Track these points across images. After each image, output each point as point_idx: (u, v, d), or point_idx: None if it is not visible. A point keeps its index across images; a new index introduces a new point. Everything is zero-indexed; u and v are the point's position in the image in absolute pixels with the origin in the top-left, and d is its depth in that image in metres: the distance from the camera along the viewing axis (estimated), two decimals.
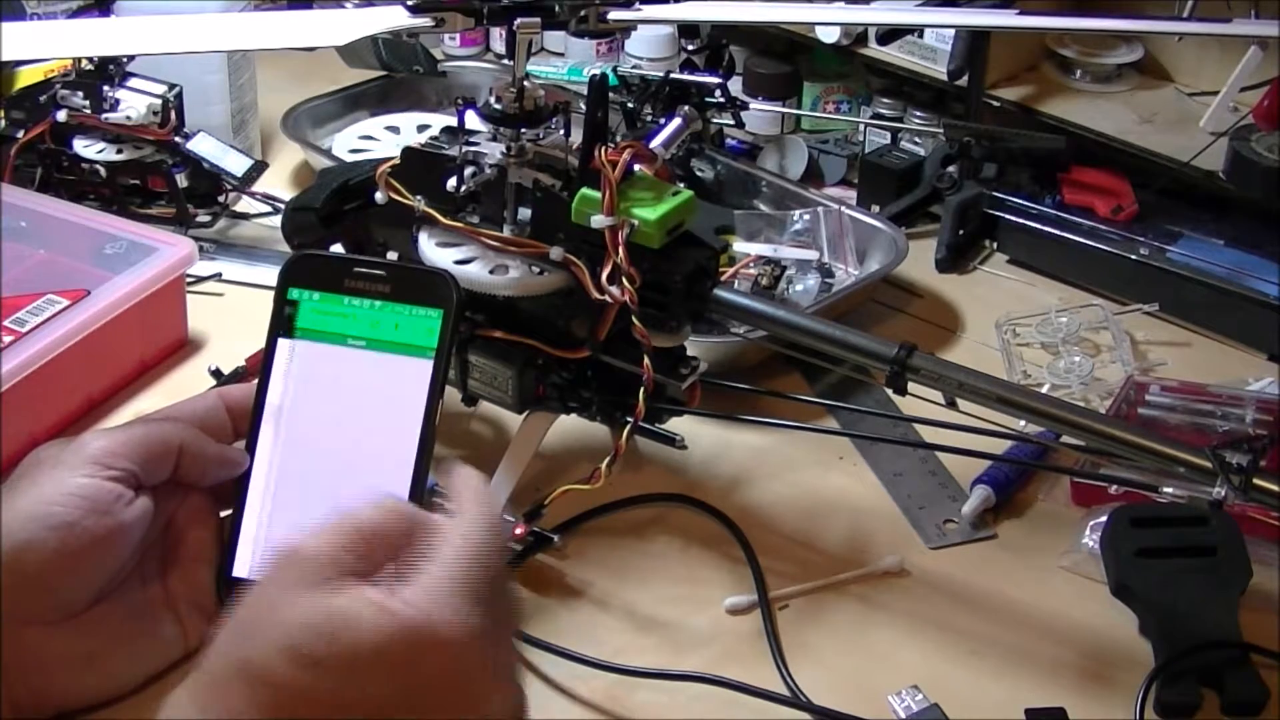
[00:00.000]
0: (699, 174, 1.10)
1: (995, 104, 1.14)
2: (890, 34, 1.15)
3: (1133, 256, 1.03)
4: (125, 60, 1.06)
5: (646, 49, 1.28)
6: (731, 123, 1.10)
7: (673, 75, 1.07)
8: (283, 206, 0.92)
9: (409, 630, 0.50)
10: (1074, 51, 1.17)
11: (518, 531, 0.75)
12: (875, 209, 1.11)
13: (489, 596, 0.53)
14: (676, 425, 0.83)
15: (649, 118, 1.05)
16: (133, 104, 1.04)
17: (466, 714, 0.52)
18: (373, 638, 0.50)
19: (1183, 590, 0.73)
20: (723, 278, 0.89)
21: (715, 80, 1.07)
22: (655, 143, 0.75)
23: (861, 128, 1.22)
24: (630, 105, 1.05)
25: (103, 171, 1.05)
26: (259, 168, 1.09)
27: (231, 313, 0.99)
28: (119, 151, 1.05)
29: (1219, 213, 1.06)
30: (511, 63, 0.75)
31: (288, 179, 1.17)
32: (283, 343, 0.68)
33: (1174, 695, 0.68)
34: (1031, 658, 0.72)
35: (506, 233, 0.75)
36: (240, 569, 0.67)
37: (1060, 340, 0.98)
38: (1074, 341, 0.98)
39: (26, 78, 1.05)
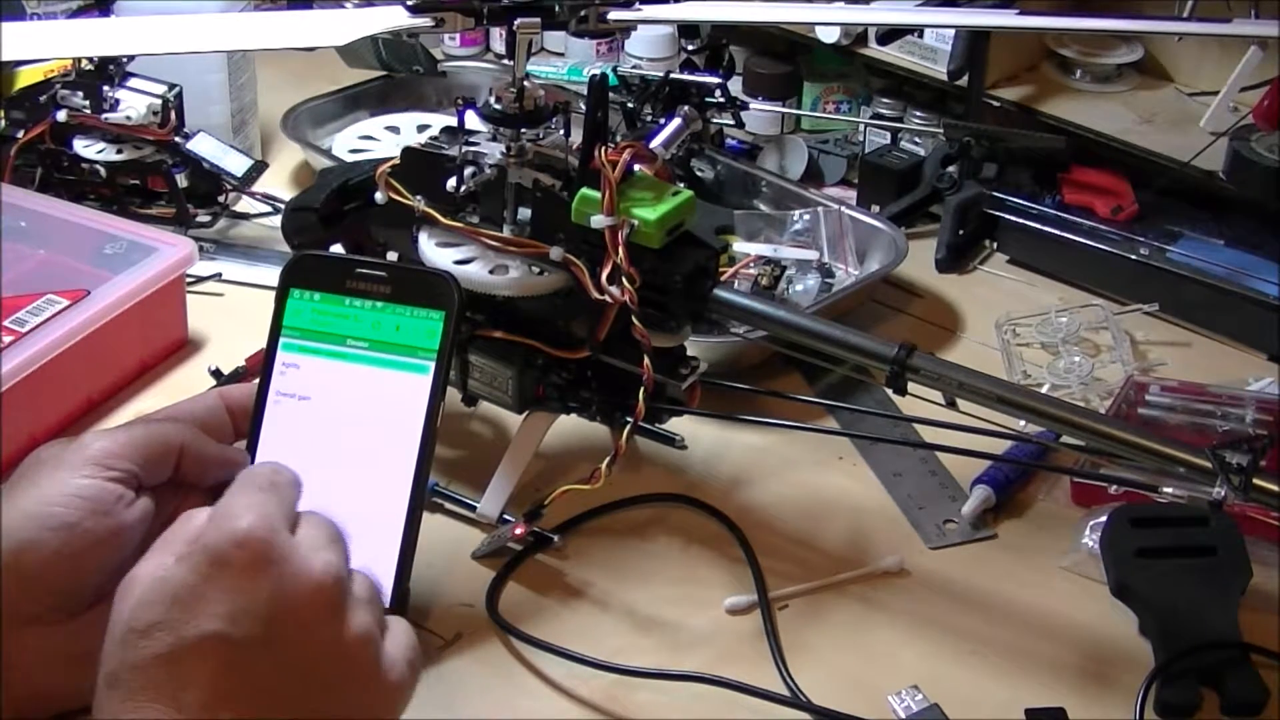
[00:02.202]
0: (699, 174, 1.10)
1: (995, 104, 1.14)
2: (890, 34, 1.15)
3: (1133, 256, 1.03)
4: (125, 60, 1.06)
5: (646, 49, 1.28)
6: (731, 123, 1.09)
7: (673, 75, 1.07)
8: (283, 206, 0.92)
9: (206, 547, 0.54)
10: (1074, 51, 1.17)
11: (518, 531, 0.75)
12: (875, 209, 1.11)
13: (281, 509, 0.57)
14: (676, 425, 0.83)
15: (649, 118, 1.05)
16: (133, 104, 1.04)
17: (308, 593, 0.55)
18: (180, 574, 0.54)
19: (1183, 590, 0.73)
20: (723, 278, 0.89)
21: (715, 80, 1.07)
22: (655, 143, 0.75)
23: (861, 128, 1.22)
24: (630, 105, 1.05)
25: (103, 171, 1.05)
26: (259, 168, 1.09)
27: (231, 313, 0.99)
28: (119, 151, 1.05)
29: (1219, 213, 1.06)
30: (511, 63, 0.75)
31: (288, 179, 1.17)
32: (283, 343, 0.68)
33: (1174, 695, 0.68)
34: (1031, 658, 0.72)
35: (506, 233, 0.75)
36: None
37: (1060, 340, 0.98)
38: (1074, 341, 0.98)
39: (26, 78, 1.05)
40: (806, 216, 1.04)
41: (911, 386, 0.70)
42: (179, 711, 0.52)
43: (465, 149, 0.75)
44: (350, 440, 0.66)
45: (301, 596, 0.55)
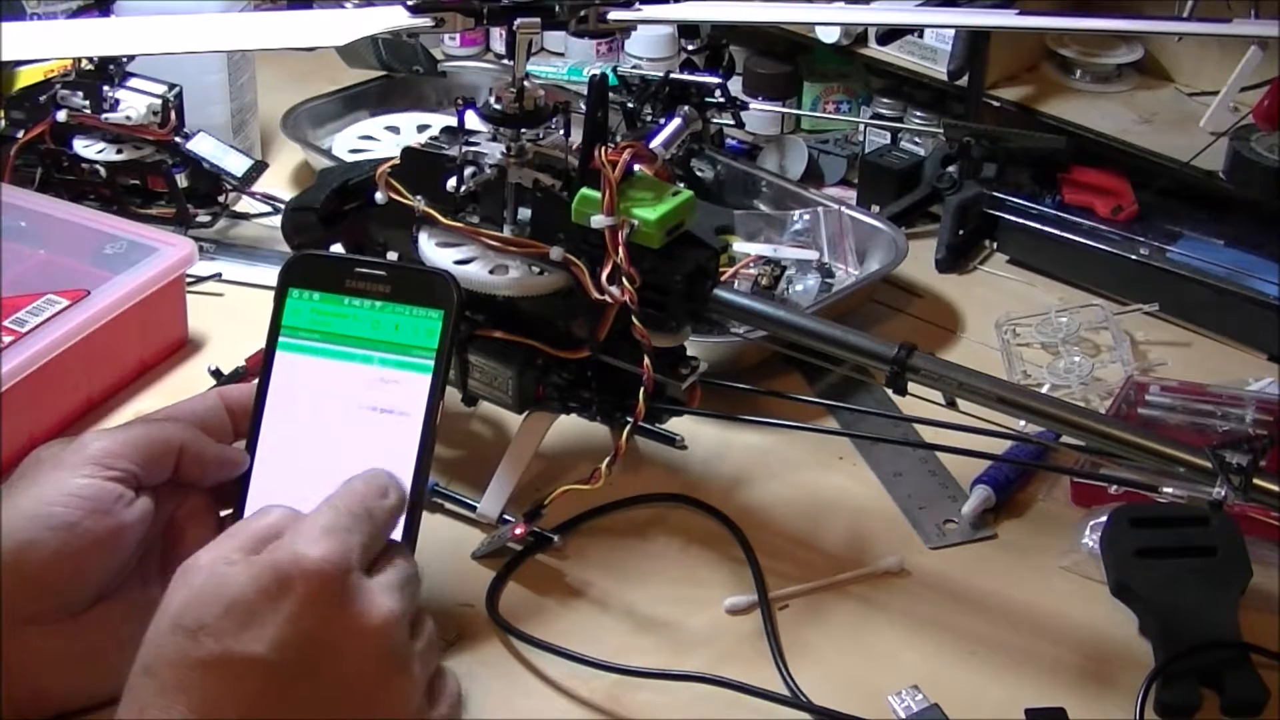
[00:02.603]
0: (699, 174, 1.10)
1: (995, 104, 1.14)
2: (890, 34, 1.15)
3: (1133, 256, 1.03)
4: (125, 60, 1.06)
5: (646, 49, 1.28)
6: (731, 123, 1.10)
7: (673, 75, 1.07)
8: (283, 206, 0.92)
9: (275, 565, 0.54)
10: (1074, 51, 1.17)
11: (518, 531, 0.75)
12: (875, 209, 1.11)
13: (363, 541, 0.57)
14: (676, 425, 0.83)
15: (649, 118, 1.05)
16: (133, 104, 1.04)
17: (361, 638, 0.55)
18: (241, 581, 0.54)
19: (1183, 590, 0.73)
20: (723, 278, 0.89)
21: (715, 80, 1.07)
22: (655, 143, 0.75)
23: (861, 128, 1.22)
24: (630, 105, 1.05)
25: (103, 171, 1.05)
26: (259, 168, 1.09)
27: (231, 313, 0.99)
28: (119, 151, 1.05)
29: (1219, 213, 1.06)
30: (511, 63, 0.75)
31: (288, 179, 1.17)
32: (283, 343, 0.68)
33: (1174, 695, 0.68)
34: (1031, 658, 0.72)
35: (506, 233, 0.75)
36: None
37: (1060, 340, 0.98)
38: (1074, 341, 0.98)
39: (26, 78, 1.05)
40: (806, 216, 1.04)
41: (911, 386, 0.70)
42: None
43: (465, 149, 0.75)
44: (350, 440, 0.66)
45: (354, 640, 0.55)
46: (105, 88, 1.04)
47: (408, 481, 0.65)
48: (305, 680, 0.53)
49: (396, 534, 0.64)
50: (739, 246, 1.01)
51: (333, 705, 0.54)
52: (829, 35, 1.18)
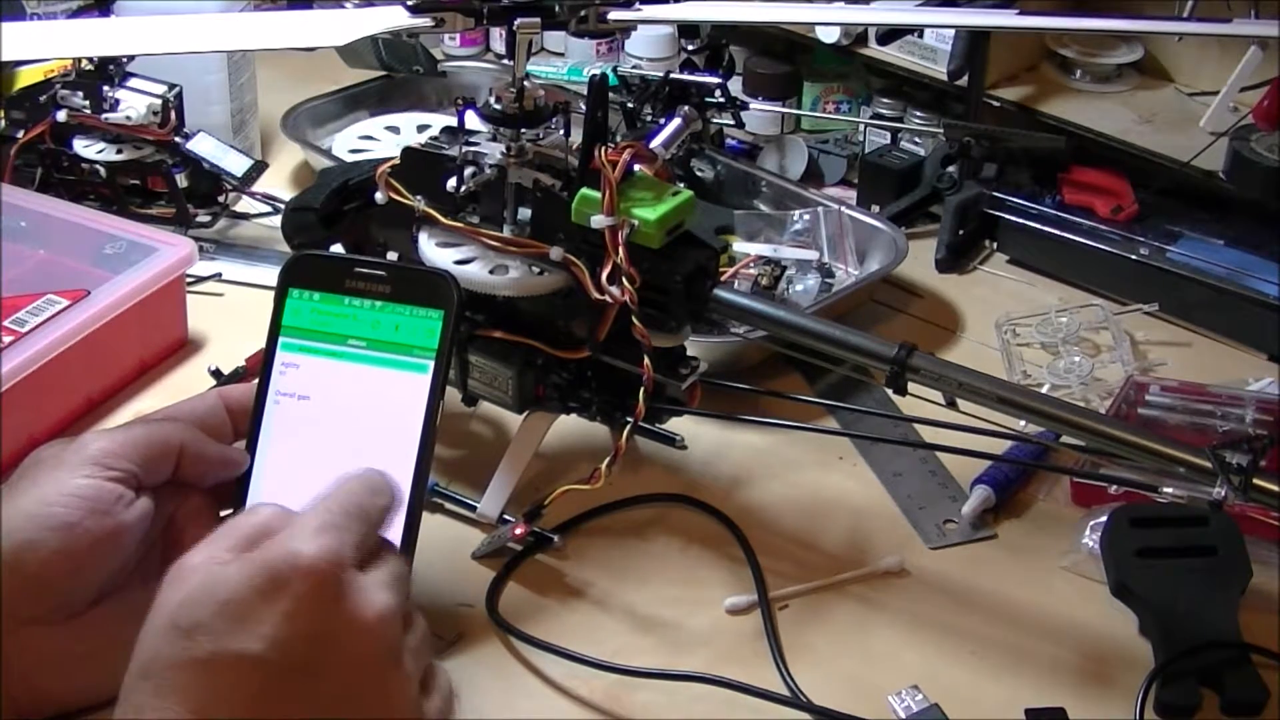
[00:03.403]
0: (699, 174, 1.10)
1: (995, 104, 1.14)
2: (890, 34, 1.15)
3: (1133, 256, 1.03)
4: (125, 60, 1.06)
5: (646, 49, 1.28)
6: (731, 123, 1.10)
7: (673, 75, 1.07)
8: (283, 206, 0.92)
9: (269, 563, 0.54)
10: (1074, 51, 1.17)
11: (518, 532, 0.75)
12: (875, 209, 1.11)
13: (357, 539, 0.57)
14: (676, 425, 0.83)
15: (649, 118, 1.05)
16: (133, 104, 1.04)
17: (357, 634, 0.55)
18: (235, 580, 0.53)
19: (1183, 590, 0.73)
20: (723, 278, 0.89)
21: (715, 80, 1.07)
22: (655, 143, 0.75)
23: (861, 128, 1.22)
24: (630, 105, 1.05)
25: (103, 171, 1.05)
26: (259, 168, 1.09)
27: (231, 313, 0.99)
28: (119, 151, 1.05)
29: (1219, 213, 1.05)
30: (511, 63, 0.75)
31: (288, 179, 1.17)
32: (283, 343, 0.68)
33: (1174, 695, 0.68)
34: (1031, 658, 0.72)
35: (506, 233, 0.75)
36: None
37: (1060, 340, 0.98)
38: (1074, 341, 0.98)
39: (26, 78, 1.05)
40: (806, 216, 1.04)
41: (911, 386, 0.70)
42: None
43: (465, 149, 0.75)
44: (350, 440, 0.66)
45: (350, 636, 0.55)
46: (105, 88, 1.04)
47: (408, 481, 0.65)
48: (302, 677, 0.53)
49: (396, 534, 0.64)
50: (739, 246, 1.01)
51: (330, 701, 0.54)
52: (829, 35, 1.18)
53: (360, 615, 0.55)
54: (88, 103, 1.04)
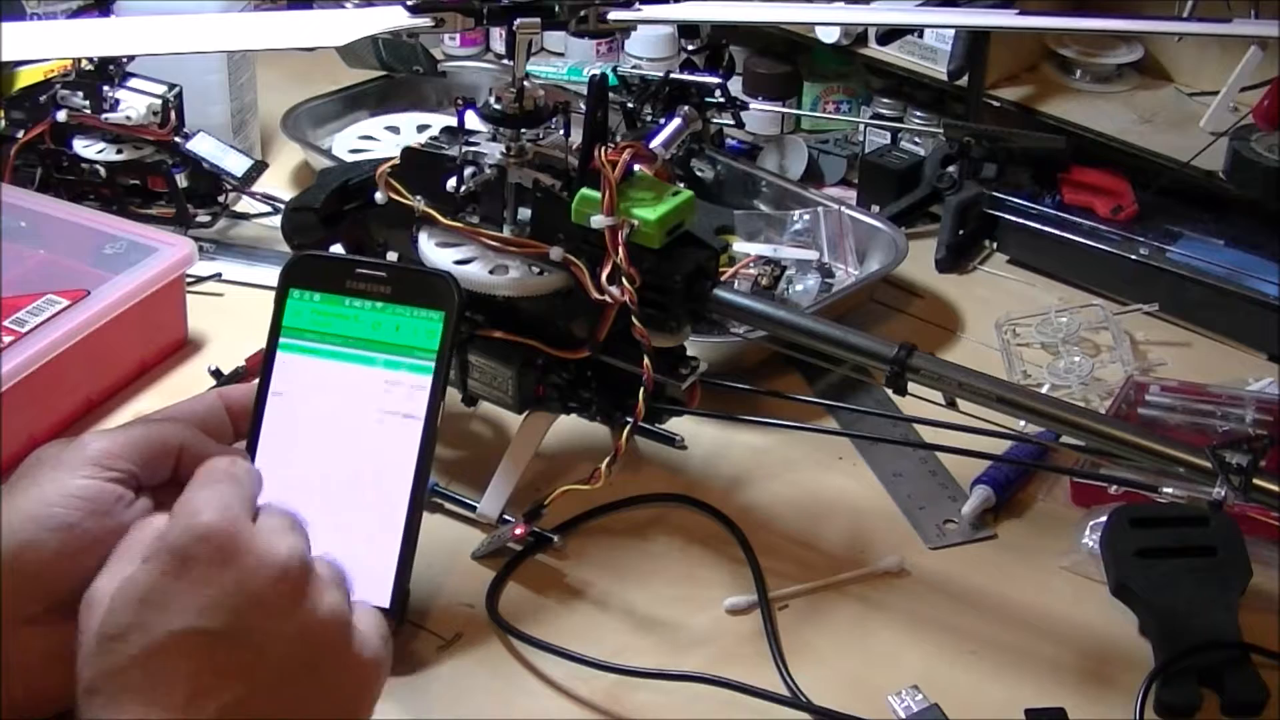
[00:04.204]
0: (699, 174, 1.10)
1: (995, 104, 1.14)
2: (890, 34, 1.15)
3: (1133, 256, 1.03)
4: (125, 60, 1.06)
5: (646, 49, 1.28)
6: (731, 123, 1.09)
7: (673, 75, 1.06)
8: (283, 206, 0.92)
9: (169, 545, 0.55)
10: (1074, 51, 1.17)
11: (518, 532, 0.75)
12: (875, 209, 1.11)
13: (239, 499, 0.57)
14: (676, 425, 0.83)
15: (649, 118, 1.04)
16: (133, 104, 1.04)
17: (273, 579, 0.54)
18: (147, 575, 0.54)
19: (1183, 590, 0.73)
20: (723, 278, 0.89)
21: (715, 80, 1.06)
22: (655, 143, 0.75)
23: (861, 128, 1.22)
24: (630, 105, 1.05)
25: (103, 171, 1.05)
26: (259, 168, 1.09)
27: (231, 313, 0.99)
28: (119, 151, 1.05)
29: (1219, 213, 1.06)
30: (511, 63, 0.75)
31: (288, 179, 1.17)
32: (283, 344, 0.68)
33: (1174, 695, 0.69)
34: (1031, 658, 0.72)
35: (506, 233, 0.75)
36: None
37: (1060, 340, 0.98)
38: (1074, 341, 0.98)
39: (26, 78, 1.05)
40: (806, 216, 1.04)
41: (911, 386, 0.70)
42: (163, 711, 0.52)
43: (465, 149, 0.75)
44: (350, 440, 0.66)
45: (269, 582, 0.55)
46: (105, 88, 1.04)
47: (409, 482, 0.65)
48: (239, 636, 0.54)
49: (396, 534, 0.64)
50: (739, 246, 1.01)
51: (272, 654, 0.54)
52: (829, 35, 1.18)
53: (268, 561, 0.55)
54: (88, 103, 1.04)
